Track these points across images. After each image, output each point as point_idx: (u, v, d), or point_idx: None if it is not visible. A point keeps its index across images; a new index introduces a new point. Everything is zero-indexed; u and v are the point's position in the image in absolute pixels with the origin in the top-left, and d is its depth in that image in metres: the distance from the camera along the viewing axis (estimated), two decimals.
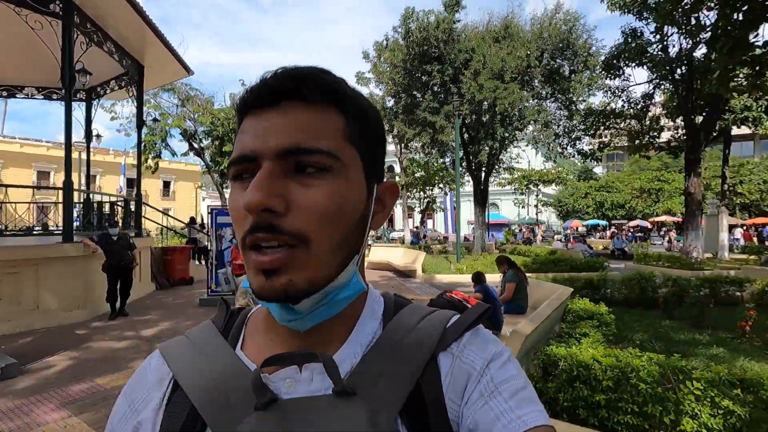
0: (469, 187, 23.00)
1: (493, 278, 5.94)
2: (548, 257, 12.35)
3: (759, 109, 14.75)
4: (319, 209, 0.40)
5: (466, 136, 17.29)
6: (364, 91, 19.47)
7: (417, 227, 30.48)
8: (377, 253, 15.20)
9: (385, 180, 0.49)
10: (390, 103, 19.00)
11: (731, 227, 21.07)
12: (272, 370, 0.44)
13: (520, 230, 32.25)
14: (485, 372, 0.43)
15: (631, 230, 30.97)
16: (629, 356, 2.88)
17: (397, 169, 36.34)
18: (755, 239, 24.40)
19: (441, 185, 28.63)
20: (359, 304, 0.49)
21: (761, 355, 4.63)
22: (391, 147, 26.48)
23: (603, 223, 34.40)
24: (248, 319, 0.52)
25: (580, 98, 16.87)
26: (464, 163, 17.58)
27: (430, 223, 43.18)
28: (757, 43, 8.30)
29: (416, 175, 27.31)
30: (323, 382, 0.43)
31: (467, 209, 36.16)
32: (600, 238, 29.79)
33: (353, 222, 0.43)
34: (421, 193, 28.60)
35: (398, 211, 48.42)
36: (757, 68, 8.32)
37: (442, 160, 20.51)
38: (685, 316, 6.42)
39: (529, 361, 3.58)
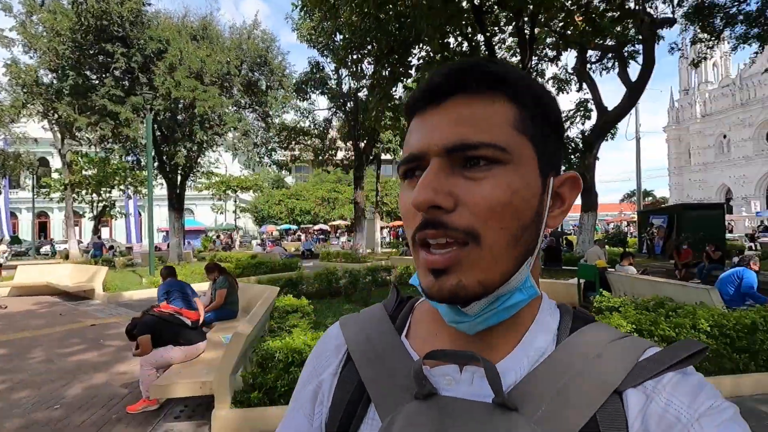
0: (160, 190, 20.76)
1: (201, 287, 5.75)
2: (250, 261, 12.79)
3: (396, 142, 20.44)
4: (488, 204, 0.38)
5: (159, 134, 15.57)
6: (3, 54, 14.28)
7: (99, 236, 24.66)
8: (29, 273, 11.43)
9: (562, 172, 0.45)
10: (48, 78, 14.75)
11: (382, 228, 28.09)
12: (433, 363, 0.44)
13: (218, 236, 31.66)
14: (694, 427, 0.35)
15: (316, 233, 36.02)
16: None
17: (56, 163, 28.34)
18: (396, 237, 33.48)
19: (122, 187, 24.36)
20: (530, 313, 0.45)
21: None
22: (48, 135, 20.49)
23: (294, 227, 38.45)
24: (415, 309, 0.52)
25: (276, 113, 18.40)
26: (157, 164, 15.78)
27: (105, 231, 35.91)
28: (395, 96, 11.62)
29: (87, 173, 22.12)
30: (483, 388, 0.40)
31: (158, 215, 32.33)
32: (292, 240, 33.10)
33: (527, 218, 0.40)
34: (94, 195, 23.41)
35: (57, 217, 37.65)
36: (396, 113, 11.63)
37: (128, 158, 17.62)
38: (358, 299, 8.20)
39: (247, 360, 3.75)
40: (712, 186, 47.06)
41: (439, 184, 0.38)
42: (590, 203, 12.98)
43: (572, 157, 14.77)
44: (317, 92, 18.67)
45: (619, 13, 10.12)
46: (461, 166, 0.39)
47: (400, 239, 26.72)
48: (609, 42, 12.68)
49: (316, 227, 37.56)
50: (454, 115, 0.40)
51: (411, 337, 0.49)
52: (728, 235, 17.72)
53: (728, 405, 0.36)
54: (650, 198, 48.01)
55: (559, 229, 16.57)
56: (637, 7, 10.69)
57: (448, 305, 0.41)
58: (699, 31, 12.10)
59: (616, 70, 13.58)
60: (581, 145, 14.19)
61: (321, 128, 19.68)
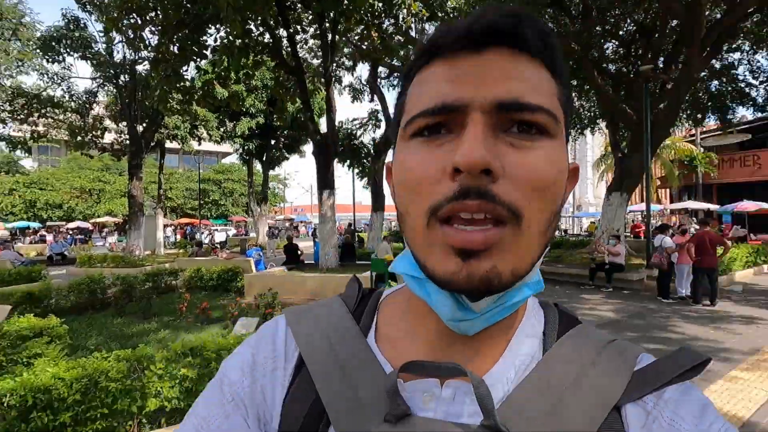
0: None
1: None
2: None
3: (185, 129, 18.20)
4: (536, 179, 0.32)
5: None
6: None
7: None
8: None
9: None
10: None
11: (165, 226, 24.56)
12: (408, 377, 0.37)
13: None
14: None
15: (72, 232, 28.81)
16: (96, 361, 2.80)
17: None
18: (184, 236, 29.78)
19: None
20: (518, 313, 0.39)
21: (196, 327, 5.84)
22: None
23: (36, 225, 29.70)
24: (381, 304, 0.45)
25: (7, 72, 13.79)
26: None
27: None
28: (187, 77, 10.29)
29: None
30: (466, 405, 0.35)
31: None
32: (32, 242, 25.56)
33: (559, 203, 0.35)
34: None
35: None
36: (187, 97, 10.32)
37: None
38: (135, 310, 6.88)
39: None
40: None
41: (491, 144, 0.31)
42: (379, 204, 14.49)
43: (365, 161, 16.20)
44: (75, 55, 14.85)
45: (404, 38, 11.59)
46: (504, 131, 0.33)
47: (188, 239, 23.97)
48: (396, 63, 14.42)
49: (72, 225, 29.99)
50: (502, 68, 0.33)
51: (379, 340, 0.42)
52: None
53: (732, 427, 0.34)
54: None
55: (353, 227, 17.93)
56: (417, 36, 12.49)
57: (456, 299, 0.34)
58: None
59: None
60: (372, 151, 15.72)
61: (81, 101, 15.76)
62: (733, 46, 11.49)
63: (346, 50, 14.64)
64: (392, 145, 0.42)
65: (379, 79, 15.97)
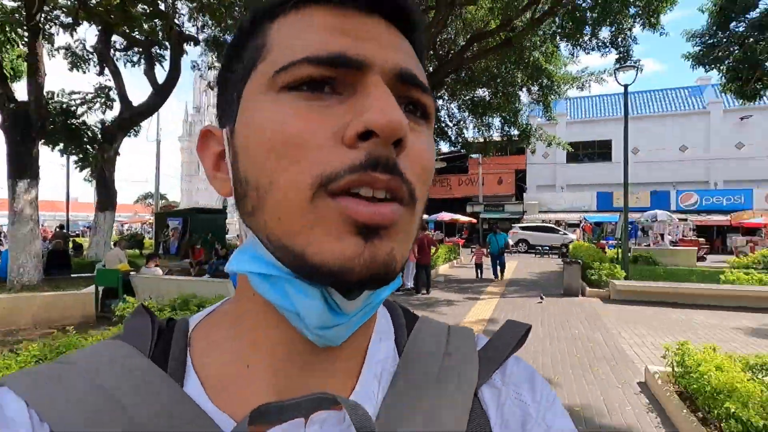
0: None
1: None
2: None
3: None
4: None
5: None
6: None
7: None
8: None
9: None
10: None
11: None
12: (260, 428, 0.28)
13: None
14: (543, 418, 0.34)
15: None
16: None
17: None
18: None
19: None
20: (373, 315, 0.34)
21: None
22: None
23: None
24: (192, 335, 0.33)
25: None
26: None
27: None
28: None
29: None
30: None
31: None
32: None
33: None
34: None
35: None
36: None
37: None
38: None
39: None
40: (214, 193, 55.94)
41: None
42: (109, 201, 11.82)
43: (88, 147, 12.95)
44: None
45: (150, 9, 9.91)
46: None
47: None
48: (138, 35, 12.22)
49: None
50: (392, 38, 0.29)
51: (206, 385, 0.31)
52: (228, 236, 21.53)
53: (554, 392, 0.37)
54: (164, 201, 50.44)
55: (65, 230, 13.96)
56: (168, 11, 10.93)
57: (327, 301, 0.28)
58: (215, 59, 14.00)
59: (144, 66, 13.29)
60: (100, 136, 12.72)
61: None
62: (439, 95, 15.09)
63: (63, 1, 11.34)
64: (229, 101, 0.32)
65: (113, 51, 13.12)
